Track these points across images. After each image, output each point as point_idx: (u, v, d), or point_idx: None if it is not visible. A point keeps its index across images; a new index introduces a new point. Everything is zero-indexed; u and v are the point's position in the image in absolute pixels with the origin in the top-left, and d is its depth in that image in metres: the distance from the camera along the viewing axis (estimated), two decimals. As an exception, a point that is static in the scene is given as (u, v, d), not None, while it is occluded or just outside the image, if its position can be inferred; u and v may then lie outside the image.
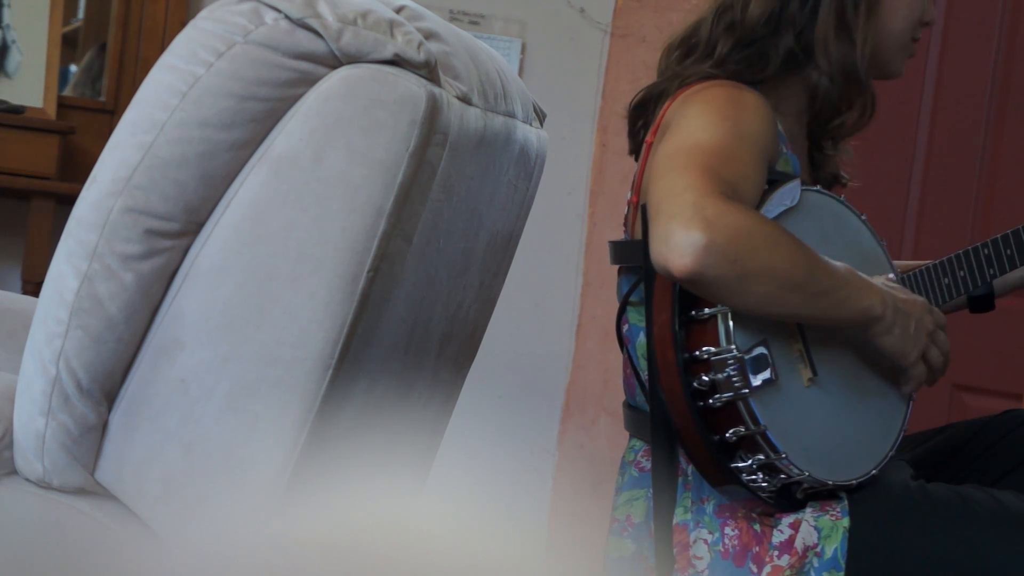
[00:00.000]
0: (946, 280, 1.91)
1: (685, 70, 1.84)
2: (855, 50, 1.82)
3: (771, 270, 1.60)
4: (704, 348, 1.65)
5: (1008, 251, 1.89)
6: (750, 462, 1.67)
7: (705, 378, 1.65)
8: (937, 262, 1.91)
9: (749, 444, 1.66)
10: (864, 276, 1.70)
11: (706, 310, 1.65)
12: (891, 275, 1.81)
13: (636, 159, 1.89)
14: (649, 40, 3.30)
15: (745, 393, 1.64)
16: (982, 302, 1.97)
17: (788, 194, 1.72)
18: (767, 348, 1.66)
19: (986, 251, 1.89)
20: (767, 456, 1.66)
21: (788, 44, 1.82)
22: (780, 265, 1.61)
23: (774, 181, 1.73)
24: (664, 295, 1.68)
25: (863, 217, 1.83)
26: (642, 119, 1.90)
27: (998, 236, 1.90)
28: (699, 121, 1.72)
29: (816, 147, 1.95)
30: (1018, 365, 3.15)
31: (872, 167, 2.09)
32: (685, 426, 1.67)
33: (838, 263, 1.68)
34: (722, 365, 1.64)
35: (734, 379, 1.63)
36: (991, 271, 1.89)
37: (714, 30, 1.85)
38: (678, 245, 1.56)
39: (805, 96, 1.87)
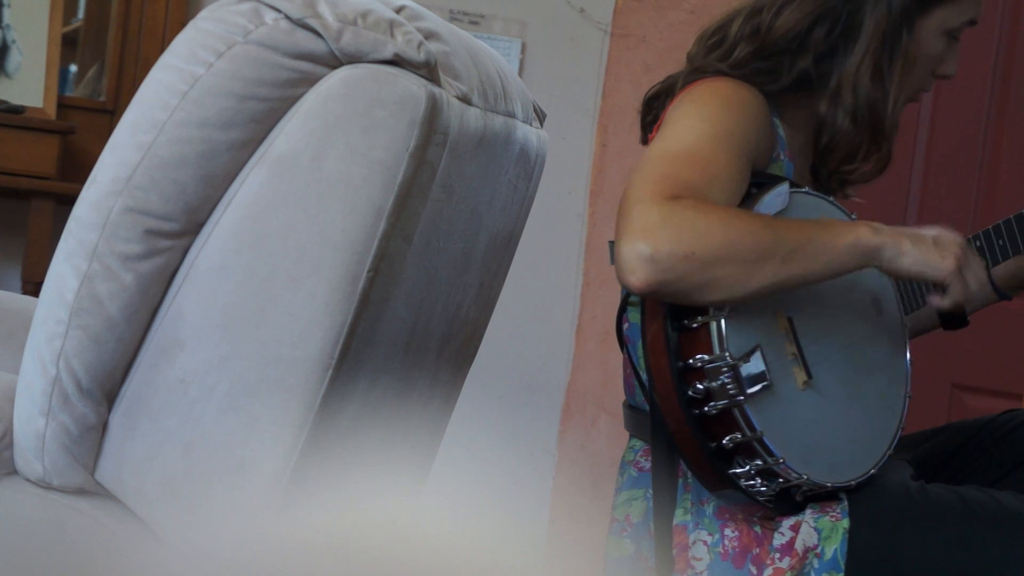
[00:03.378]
0: None
1: (697, 63, 1.83)
2: (887, 99, 1.80)
3: (728, 251, 1.57)
4: (697, 356, 1.64)
5: (1000, 241, 1.88)
6: (748, 467, 1.67)
7: (700, 386, 1.64)
8: None
9: (746, 450, 1.66)
10: (848, 220, 1.67)
11: (698, 318, 1.65)
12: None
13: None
14: (649, 40, 3.30)
15: (740, 400, 1.63)
16: (954, 319, 1.84)
17: (777, 197, 1.71)
18: (761, 353, 1.65)
19: (978, 243, 1.88)
20: (765, 461, 1.66)
21: (804, 66, 1.80)
22: (737, 243, 1.57)
23: (763, 184, 1.72)
24: (656, 304, 1.68)
25: (854, 217, 1.82)
26: (651, 113, 1.89)
27: (990, 227, 1.89)
28: (678, 124, 1.71)
29: (820, 178, 1.94)
30: (1018, 365, 3.15)
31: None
32: (681, 433, 1.67)
33: (814, 218, 1.65)
34: (716, 373, 1.63)
35: (728, 387, 1.63)
36: (984, 262, 1.88)
37: (741, 30, 1.83)
38: (627, 262, 1.55)
39: (813, 122, 1.85)
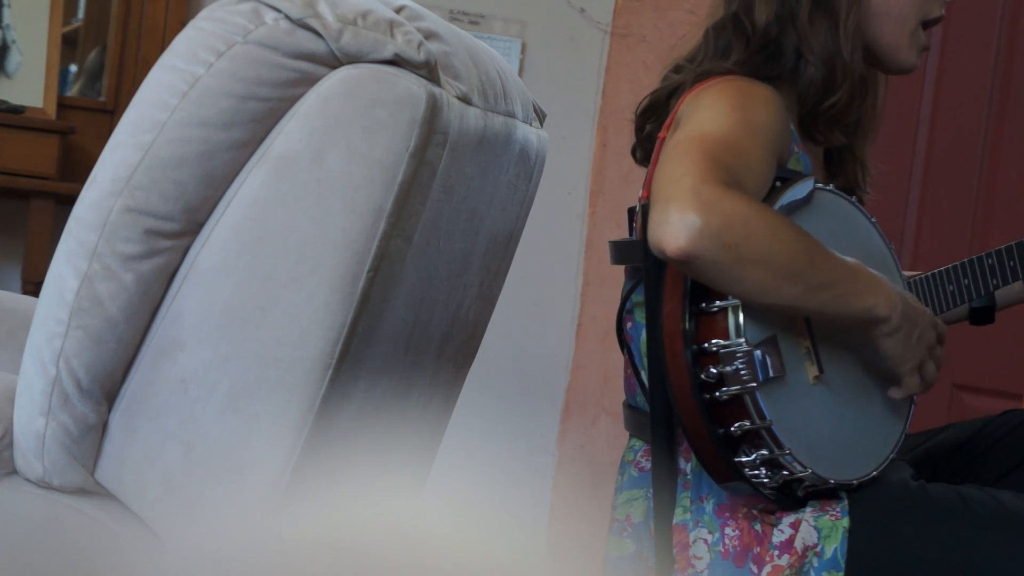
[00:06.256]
0: (950, 287, 1.92)
1: (702, 67, 1.83)
2: (837, 30, 1.80)
3: (768, 258, 1.59)
4: (713, 340, 1.65)
5: (1011, 263, 1.89)
6: (753, 457, 1.67)
7: (713, 370, 1.65)
8: (941, 269, 1.92)
9: (753, 439, 1.66)
10: (876, 274, 1.69)
11: (717, 302, 1.65)
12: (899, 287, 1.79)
13: (645, 163, 1.89)
14: (649, 40, 3.30)
15: (752, 387, 1.63)
16: (983, 314, 1.96)
17: (800, 190, 1.72)
18: (776, 343, 1.66)
19: (990, 261, 1.89)
20: (771, 451, 1.66)
21: (794, 40, 1.81)
22: (778, 254, 1.60)
23: (786, 179, 1.73)
24: (675, 286, 1.68)
25: (873, 220, 1.82)
26: (650, 123, 1.89)
27: (1002, 247, 1.91)
28: (708, 113, 1.72)
29: (832, 153, 1.94)
30: (1018, 365, 3.15)
31: (872, 166, 2.08)
32: (690, 418, 1.67)
33: (848, 258, 1.67)
34: (731, 358, 1.64)
35: (742, 372, 1.63)
36: (994, 281, 1.89)
37: (720, 40, 1.84)
38: (673, 226, 1.56)
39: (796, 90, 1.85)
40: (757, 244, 1.58)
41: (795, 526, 1.71)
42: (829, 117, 1.83)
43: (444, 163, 1.56)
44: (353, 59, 1.48)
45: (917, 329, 1.71)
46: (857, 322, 1.69)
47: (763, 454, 1.66)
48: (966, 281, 1.91)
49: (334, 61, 1.48)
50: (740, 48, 1.82)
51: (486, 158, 1.72)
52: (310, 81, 1.48)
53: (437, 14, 1.69)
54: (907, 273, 1.98)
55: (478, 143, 1.67)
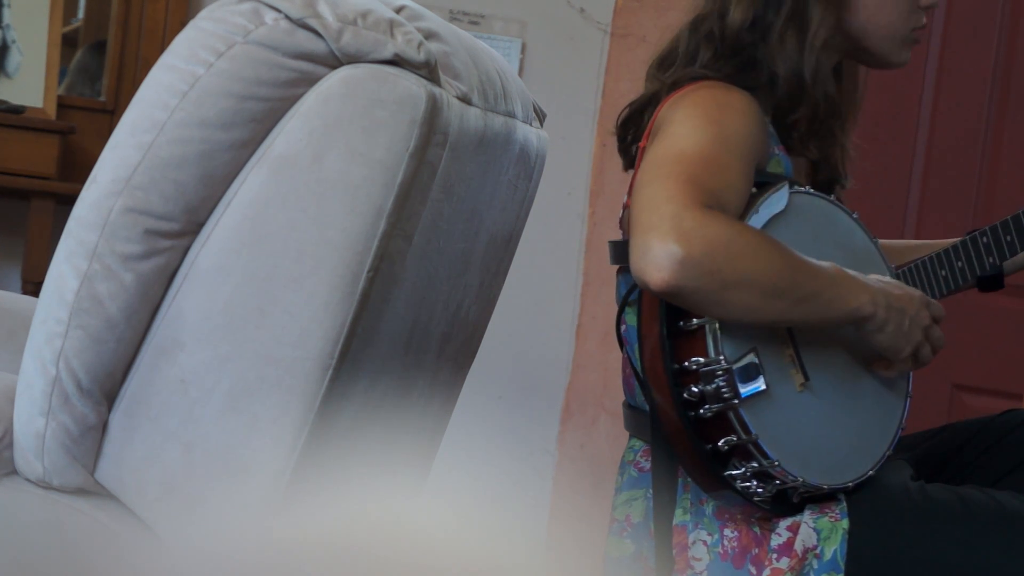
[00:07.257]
0: (943, 272, 1.90)
1: (673, 75, 1.83)
2: (803, 49, 1.79)
3: (752, 279, 1.60)
4: (693, 359, 1.64)
5: (1008, 237, 1.87)
6: (744, 470, 1.67)
7: (695, 389, 1.64)
8: (933, 254, 1.90)
9: (742, 452, 1.66)
10: (854, 274, 1.69)
11: (694, 320, 1.65)
12: (886, 277, 1.79)
13: (631, 169, 1.89)
14: (649, 40, 3.30)
15: (735, 403, 1.63)
16: (991, 281, 1.93)
17: (777, 198, 1.71)
18: (757, 356, 1.65)
19: (984, 239, 1.87)
20: (760, 464, 1.65)
21: (766, 54, 1.80)
22: (761, 274, 1.60)
23: (763, 184, 1.72)
24: (653, 306, 1.68)
25: (855, 216, 1.82)
26: (631, 133, 1.89)
27: (997, 223, 1.88)
28: (685, 127, 1.71)
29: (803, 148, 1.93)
30: (1018, 365, 3.15)
31: (872, 166, 2.08)
32: (677, 436, 1.67)
33: (825, 263, 1.67)
34: (711, 376, 1.63)
35: (723, 390, 1.63)
36: (990, 259, 1.88)
37: (691, 42, 1.84)
38: (655, 258, 1.56)
39: None
40: (740, 267, 1.58)
41: (792, 529, 1.71)
42: (800, 131, 1.83)
43: (444, 163, 1.56)
44: (353, 59, 1.48)
45: (907, 317, 1.71)
46: (844, 324, 1.69)
47: (753, 466, 1.66)
48: (960, 263, 1.89)
49: (334, 61, 1.48)
50: (708, 53, 1.81)
51: (486, 158, 1.72)
52: (310, 81, 1.48)
53: (437, 14, 1.69)
54: (896, 242, 1.97)
55: (478, 143, 1.67)
